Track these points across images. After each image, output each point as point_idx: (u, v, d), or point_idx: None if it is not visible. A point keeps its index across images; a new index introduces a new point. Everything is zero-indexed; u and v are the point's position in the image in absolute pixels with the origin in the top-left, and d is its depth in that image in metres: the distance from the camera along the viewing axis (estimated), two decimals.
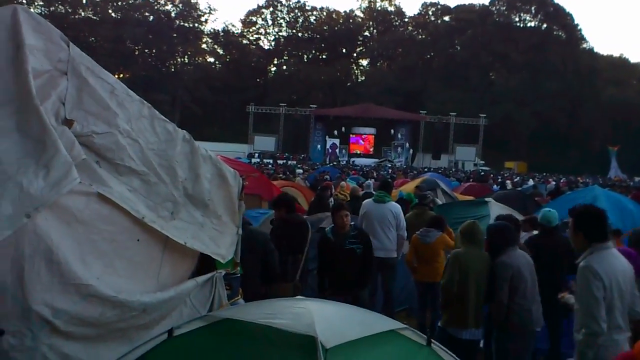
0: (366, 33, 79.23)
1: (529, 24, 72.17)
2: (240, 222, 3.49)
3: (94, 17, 66.47)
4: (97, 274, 2.57)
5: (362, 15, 79.69)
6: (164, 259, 2.99)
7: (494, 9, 72.24)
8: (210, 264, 3.29)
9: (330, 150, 56.63)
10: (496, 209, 8.80)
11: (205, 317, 2.39)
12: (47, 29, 2.46)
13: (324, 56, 77.13)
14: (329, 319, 2.17)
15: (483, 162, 54.72)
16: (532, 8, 70.92)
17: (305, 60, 76.90)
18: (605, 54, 77.50)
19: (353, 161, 50.87)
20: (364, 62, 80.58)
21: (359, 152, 58.26)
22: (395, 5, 79.42)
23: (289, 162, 43.12)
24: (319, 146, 58.25)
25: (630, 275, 3.74)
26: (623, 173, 49.14)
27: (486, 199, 9.78)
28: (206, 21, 74.49)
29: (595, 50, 76.44)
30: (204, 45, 75.98)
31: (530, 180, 29.71)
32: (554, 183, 24.90)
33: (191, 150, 3.11)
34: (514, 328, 4.68)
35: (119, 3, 69.75)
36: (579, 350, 3.61)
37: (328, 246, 5.84)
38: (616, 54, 79.37)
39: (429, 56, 72.12)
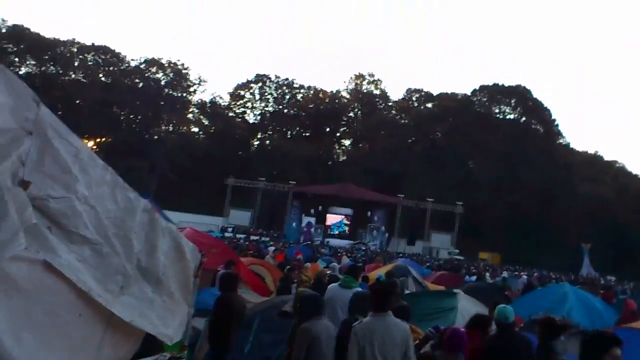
0: (350, 114, 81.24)
1: (508, 116, 74.77)
2: (193, 301, 3.34)
3: (84, 80, 67.27)
4: (30, 350, 2.37)
5: (348, 96, 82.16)
6: (105, 338, 2.79)
7: (475, 99, 75.00)
8: (156, 345, 3.10)
9: (305, 229, 56.34)
10: (464, 302, 8.71)
11: None
12: (19, 86, 2.39)
13: (307, 133, 78.54)
14: None
15: (457, 250, 54.77)
16: (512, 101, 73.78)
17: (289, 136, 78.18)
18: (580, 150, 79.68)
19: (328, 242, 50.49)
20: (347, 142, 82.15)
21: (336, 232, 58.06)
22: (380, 89, 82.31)
23: (262, 239, 42.63)
24: (294, 224, 57.98)
25: None
26: (595, 271, 49.43)
27: (455, 291, 9.67)
28: (195, 91, 75.94)
29: (571, 145, 78.49)
30: (189, 115, 76.93)
31: (505, 272, 29.70)
32: (525, 277, 24.91)
33: (150, 221, 3.01)
34: None
35: (111, 68, 70.99)
36: None
37: None
38: (591, 151, 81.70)
39: (410, 140, 73.73)
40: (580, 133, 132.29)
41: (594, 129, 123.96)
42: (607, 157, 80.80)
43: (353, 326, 4.74)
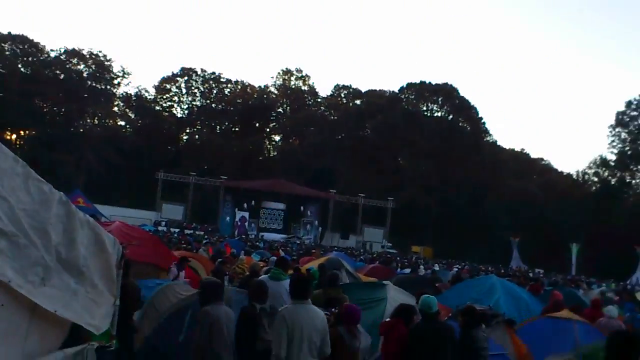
0: (279, 109, 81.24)
1: (436, 114, 76.68)
2: (118, 292, 3.29)
3: (2, 70, 63.67)
4: None
5: (276, 91, 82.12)
6: (31, 327, 2.77)
7: (402, 96, 76.43)
8: (84, 335, 3.05)
9: (239, 223, 56.00)
10: (393, 292, 8.91)
11: None
12: None
13: (236, 128, 77.93)
14: None
15: (390, 244, 56.03)
16: (439, 99, 75.60)
17: (218, 131, 77.34)
18: (507, 147, 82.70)
19: (262, 235, 50.46)
20: (277, 138, 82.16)
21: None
22: (309, 84, 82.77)
23: (197, 232, 42.07)
24: (228, 218, 57.50)
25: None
26: (524, 264, 51.71)
27: (384, 282, 9.87)
28: (119, 84, 73.63)
29: (499, 143, 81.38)
30: (115, 108, 74.54)
31: (436, 265, 30.52)
32: (456, 269, 25.79)
33: (67, 214, 2.94)
34: None
35: (30, 58, 67.54)
36: None
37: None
38: (518, 148, 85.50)
39: (339, 136, 74.44)
40: (506, 131, 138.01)
41: (520, 127, 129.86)
42: (533, 155, 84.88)
43: (280, 310, 5.19)
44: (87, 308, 3.01)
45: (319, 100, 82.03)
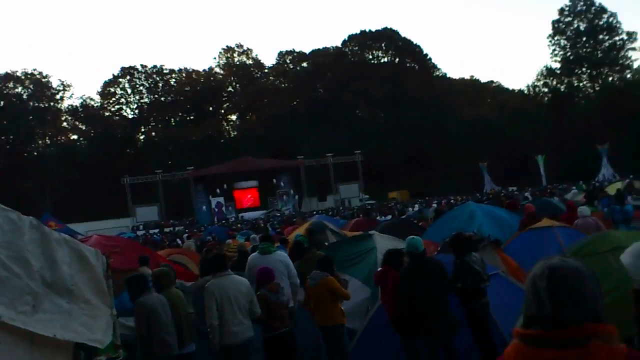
0: (229, 88, 79.91)
1: (382, 60, 76.73)
2: (112, 302, 3.27)
3: None
4: None
5: (222, 71, 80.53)
6: (34, 356, 2.75)
7: (347, 49, 76.13)
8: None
9: (216, 210, 55.72)
10: (381, 240, 9.03)
11: None
12: None
13: (191, 117, 76.56)
14: None
15: (368, 196, 56.55)
16: (382, 44, 75.65)
17: (173, 123, 75.85)
18: (457, 77, 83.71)
19: (242, 216, 50.38)
20: (233, 117, 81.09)
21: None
22: (252, 57, 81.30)
23: (177, 229, 41.76)
24: (204, 207, 57.10)
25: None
26: (497, 185, 53.12)
27: (370, 232, 10.00)
28: (62, 98, 71.21)
29: (449, 75, 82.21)
30: (64, 124, 72.34)
31: (417, 205, 30.94)
32: (435, 205, 26.19)
33: (42, 236, 2.90)
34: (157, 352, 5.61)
35: None
36: None
37: None
38: (467, 76, 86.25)
39: (294, 103, 73.94)
40: (454, 62, 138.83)
41: (466, 56, 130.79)
42: (483, 80, 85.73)
43: (207, 286, 5.88)
44: (85, 325, 3.00)
45: (267, 71, 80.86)
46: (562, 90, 70.76)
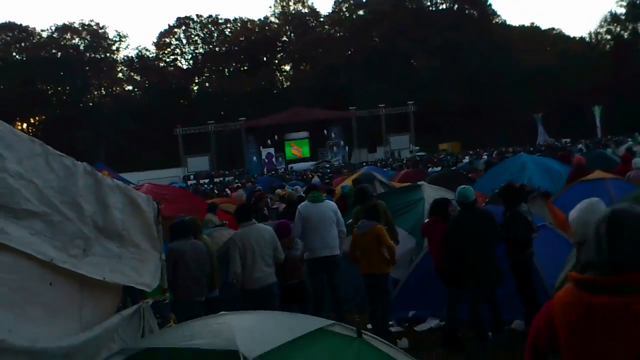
0: (284, 38, 79.32)
1: (441, 7, 74.12)
2: (162, 247, 3.38)
3: None
4: (9, 326, 2.42)
5: (277, 20, 79.80)
6: (84, 298, 2.86)
7: None
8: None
9: (266, 160, 56.39)
10: (429, 191, 8.97)
11: (123, 351, 2.29)
12: None
13: (245, 67, 76.67)
14: (250, 330, 2.12)
15: (418, 147, 55.83)
16: None
17: (227, 74, 76.25)
18: (517, 24, 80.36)
19: (291, 167, 50.81)
20: (287, 67, 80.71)
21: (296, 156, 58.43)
22: (308, 6, 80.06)
23: (226, 179, 42.60)
24: (254, 158, 57.88)
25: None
26: (550, 137, 51.41)
27: (418, 183, 9.93)
28: (118, 49, 72.85)
29: (508, 22, 79.16)
30: (119, 75, 74.02)
31: (466, 157, 30.48)
32: (485, 157, 25.65)
33: (95, 182, 2.98)
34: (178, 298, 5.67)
35: (22, 44, 66.90)
36: None
37: None
38: (527, 24, 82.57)
39: (349, 52, 72.73)
40: (513, 8, 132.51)
41: (526, 1, 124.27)
42: (543, 26, 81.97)
43: (231, 236, 6.31)
44: (134, 268, 3.10)
45: (322, 19, 79.54)
46: (626, 37, 66.85)
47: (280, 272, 6.18)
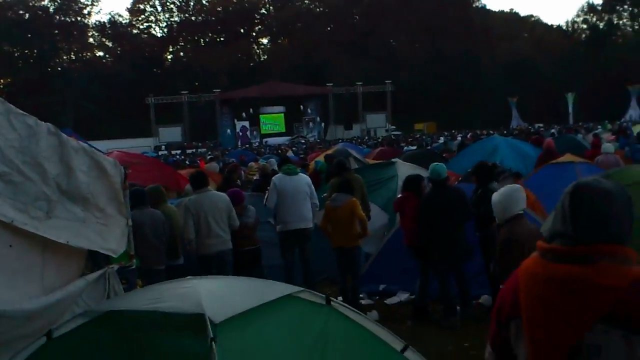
0: (262, 10, 77.99)
1: None
2: (129, 212, 3.29)
3: None
4: None
5: None
6: (46, 261, 2.78)
7: None
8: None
9: (240, 134, 55.87)
10: (403, 168, 9.02)
11: (86, 313, 2.23)
12: None
13: (221, 38, 75.22)
14: (217, 294, 2.09)
15: (394, 127, 55.99)
16: None
17: (203, 44, 74.80)
18: (497, 10, 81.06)
19: (266, 141, 50.54)
20: (264, 41, 79.59)
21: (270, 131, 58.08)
22: None
23: (199, 150, 42.18)
24: (228, 130, 57.23)
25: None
26: (524, 122, 52.24)
27: (393, 160, 9.97)
28: (89, 14, 70.51)
29: (488, 7, 79.68)
30: (90, 40, 71.83)
31: (441, 138, 30.84)
32: (459, 138, 25.92)
33: (59, 143, 2.88)
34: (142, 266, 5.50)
35: None
36: None
37: None
38: (507, 9, 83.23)
39: (329, 28, 72.01)
40: None
41: None
42: (522, 13, 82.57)
43: (185, 202, 6.27)
44: (99, 233, 3.02)
45: None
46: (602, 27, 68.25)
47: (234, 239, 6.23)
